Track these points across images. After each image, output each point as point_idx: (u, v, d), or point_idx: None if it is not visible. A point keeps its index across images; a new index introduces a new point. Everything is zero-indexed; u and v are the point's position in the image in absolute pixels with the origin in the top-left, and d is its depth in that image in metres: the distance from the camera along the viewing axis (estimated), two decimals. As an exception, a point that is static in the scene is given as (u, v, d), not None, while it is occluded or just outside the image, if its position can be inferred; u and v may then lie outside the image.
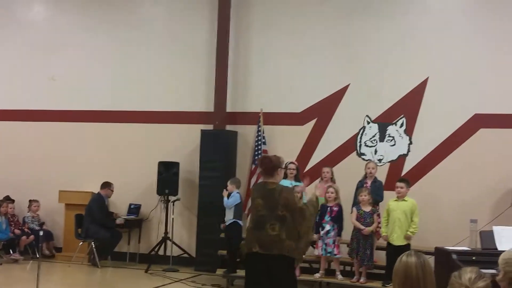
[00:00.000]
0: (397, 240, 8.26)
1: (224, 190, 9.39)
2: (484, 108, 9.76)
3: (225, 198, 9.29)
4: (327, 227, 8.74)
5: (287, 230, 5.59)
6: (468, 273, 2.50)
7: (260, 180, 5.93)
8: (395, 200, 8.45)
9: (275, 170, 5.82)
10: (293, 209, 5.65)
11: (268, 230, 5.59)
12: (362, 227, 8.47)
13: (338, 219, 8.76)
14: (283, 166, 6.06)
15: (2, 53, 12.45)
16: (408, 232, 8.23)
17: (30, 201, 11.59)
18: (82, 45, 11.99)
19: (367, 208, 8.60)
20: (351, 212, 8.78)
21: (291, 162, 9.39)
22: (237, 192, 9.42)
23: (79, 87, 11.92)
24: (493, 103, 9.73)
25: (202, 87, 11.21)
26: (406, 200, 8.38)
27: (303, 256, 6.41)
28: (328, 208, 8.78)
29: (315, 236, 8.77)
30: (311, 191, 9.27)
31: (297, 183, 9.09)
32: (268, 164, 5.84)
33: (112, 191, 11.11)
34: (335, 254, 8.74)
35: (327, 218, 8.75)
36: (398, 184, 8.50)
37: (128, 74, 11.70)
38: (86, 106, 11.85)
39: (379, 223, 8.80)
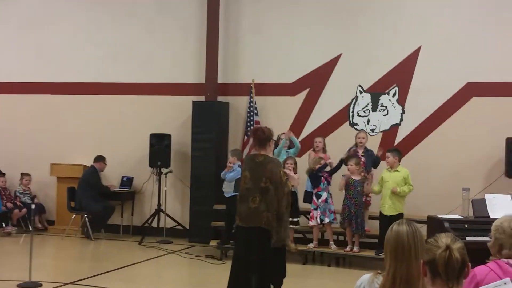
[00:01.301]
0: (389, 210, 8.29)
1: (228, 163, 9.28)
2: (476, 76, 9.72)
3: (226, 172, 9.18)
4: (325, 194, 8.76)
5: (266, 202, 5.60)
6: (443, 237, 2.52)
7: (252, 152, 5.89)
8: (388, 170, 8.45)
9: (267, 141, 5.82)
10: (276, 181, 5.64)
11: (250, 203, 5.63)
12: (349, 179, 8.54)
13: (331, 172, 8.85)
14: (274, 137, 6.05)
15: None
16: (398, 188, 8.22)
17: (21, 174, 11.55)
18: (71, 17, 11.85)
19: (357, 177, 8.61)
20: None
21: (283, 133, 9.38)
22: (239, 166, 9.38)
23: (68, 60, 11.80)
24: (486, 71, 9.69)
25: (193, 58, 11.12)
26: (399, 171, 8.39)
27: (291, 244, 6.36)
28: (321, 177, 8.79)
29: (311, 206, 8.85)
30: (305, 160, 9.39)
31: (290, 152, 9.14)
32: (261, 136, 5.82)
33: (106, 164, 11.10)
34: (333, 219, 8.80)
35: (322, 186, 8.78)
36: (386, 153, 8.52)
37: (118, 47, 11.58)
38: (76, 79, 11.75)
39: (369, 193, 8.84)
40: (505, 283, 2.80)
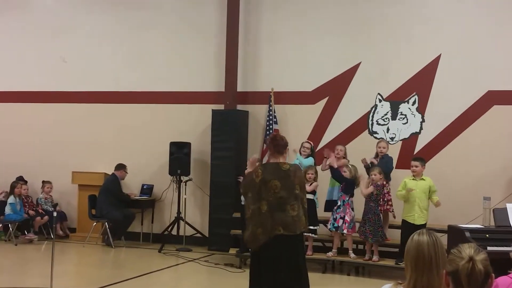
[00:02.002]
0: (418, 219, 8.22)
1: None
2: (497, 85, 9.65)
3: None
4: (338, 202, 8.76)
5: (301, 207, 5.71)
6: (467, 248, 2.51)
7: (271, 160, 5.89)
8: (413, 179, 8.40)
9: (285, 148, 5.85)
10: (303, 188, 5.84)
11: (289, 211, 5.61)
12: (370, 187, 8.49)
13: (348, 188, 8.79)
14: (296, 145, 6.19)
15: (12, 35, 12.45)
16: (436, 198, 8.23)
17: (42, 182, 11.68)
18: (91, 26, 11.99)
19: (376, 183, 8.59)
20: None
21: (307, 141, 9.51)
22: None
23: (89, 69, 11.93)
24: (507, 79, 9.61)
25: (213, 67, 11.18)
26: (424, 179, 8.35)
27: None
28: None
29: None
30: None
31: (307, 161, 9.15)
32: (280, 143, 5.84)
33: (127, 173, 11.19)
34: (350, 229, 8.76)
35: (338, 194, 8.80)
36: (413, 162, 8.46)
37: (139, 55, 11.69)
38: (97, 88, 11.87)
39: (389, 200, 8.75)
40: None
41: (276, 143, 5.86)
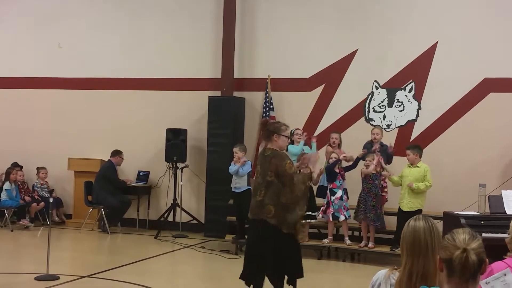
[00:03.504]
0: (407, 205, 8.27)
1: (239, 158, 9.27)
2: (494, 72, 9.64)
3: (238, 166, 9.20)
4: (339, 192, 8.76)
5: (270, 195, 5.64)
6: (461, 234, 2.49)
7: (261, 145, 5.99)
8: (409, 166, 8.44)
9: (272, 134, 5.81)
10: (282, 175, 5.65)
11: (257, 196, 5.73)
12: (373, 163, 8.49)
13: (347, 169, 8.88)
14: (287, 132, 6.01)
15: (9, 22, 12.38)
16: (414, 184, 8.21)
17: (37, 168, 11.65)
18: (88, 13, 11.93)
19: (373, 172, 8.60)
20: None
21: (297, 128, 9.35)
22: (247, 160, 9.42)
23: (85, 55, 11.88)
24: (503, 67, 9.61)
25: (209, 53, 11.14)
26: (419, 167, 8.38)
27: (301, 230, 6.27)
28: (337, 174, 8.80)
29: (323, 200, 8.89)
30: (321, 155, 9.38)
31: (307, 148, 9.13)
32: (263, 128, 5.89)
33: (123, 159, 11.17)
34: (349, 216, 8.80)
35: (337, 183, 8.77)
36: (406, 151, 8.50)
37: (135, 42, 11.64)
38: (93, 74, 11.83)
39: (383, 188, 8.83)
40: (505, 274, 2.81)
41: (263, 129, 5.89)
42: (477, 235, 2.51)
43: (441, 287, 2.55)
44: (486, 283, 2.89)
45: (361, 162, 8.81)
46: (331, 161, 8.80)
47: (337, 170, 8.80)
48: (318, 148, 9.58)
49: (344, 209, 8.76)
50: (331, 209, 8.74)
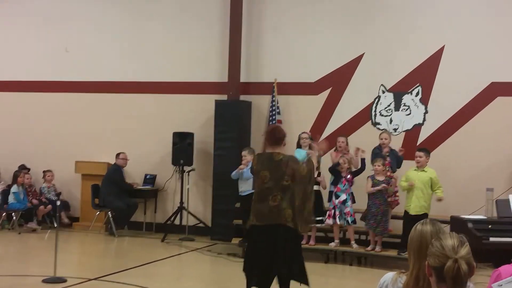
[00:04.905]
0: (414, 209, 8.25)
1: (248, 162, 9.27)
2: (501, 76, 9.63)
3: (246, 170, 9.19)
4: (343, 196, 8.76)
5: (288, 199, 5.61)
6: (449, 240, 2.43)
7: (266, 150, 5.86)
8: (415, 170, 8.41)
9: (283, 140, 5.82)
10: (298, 178, 5.66)
11: (269, 202, 5.61)
12: (379, 187, 8.46)
13: (355, 173, 8.89)
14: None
15: (16, 24, 12.43)
16: (439, 194, 8.22)
17: (43, 171, 11.68)
18: (94, 16, 11.97)
19: (381, 178, 8.59)
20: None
21: (304, 132, 9.37)
22: None
23: (93, 58, 11.92)
24: (510, 71, 9.60)
25: (216, 57, 11.16)
26: (425, 171, 8.35)
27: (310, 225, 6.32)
28: (342, 178, 8.79)
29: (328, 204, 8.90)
30: (327, 159, 9.38)
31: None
32: (279, 134, 5.84)
33: (125, 159, 11.15)
34: (354, 222, 8.80)
35: (342, 187, 8.77)
36: (418, 153, 8.46)
37: (142, 45, 11.67)
38: (101, 77, 11.87)
39: (395, 192, 8.80)
40: None
41: (274, 135, 5.84)
42: (465, 239, 2.45)
43: None
44: (498, 285, 2.88)
45: (369, 166, 8.80)
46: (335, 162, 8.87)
47: (343, 175, 8.79)
48: (325, 152, 9.55)
49: (347, 214, 8.74)
50: (337, 212, 8.75)
